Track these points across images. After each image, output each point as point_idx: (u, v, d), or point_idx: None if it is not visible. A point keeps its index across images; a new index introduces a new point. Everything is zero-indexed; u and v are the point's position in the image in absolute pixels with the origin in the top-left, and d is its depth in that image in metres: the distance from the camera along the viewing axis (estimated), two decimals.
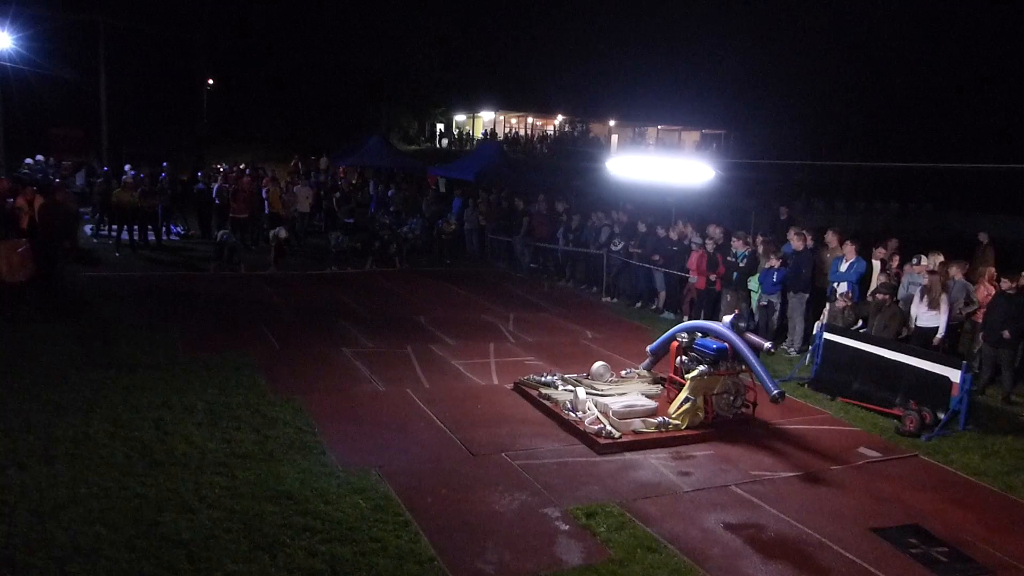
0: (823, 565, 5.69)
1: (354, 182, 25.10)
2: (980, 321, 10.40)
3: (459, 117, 58.39)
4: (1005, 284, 9.97)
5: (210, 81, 41.19)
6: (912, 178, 35.94)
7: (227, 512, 5.84)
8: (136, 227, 17.86)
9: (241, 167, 24.45)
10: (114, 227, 18.22)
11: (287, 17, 44.84)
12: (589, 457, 7.42)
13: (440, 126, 56.96)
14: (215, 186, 20.41)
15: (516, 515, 6.16)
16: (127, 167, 20.05)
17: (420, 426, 7.98)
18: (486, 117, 59.33)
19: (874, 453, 7.96)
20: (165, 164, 21.52)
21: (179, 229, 20.54)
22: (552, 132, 61.49)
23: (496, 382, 9.65)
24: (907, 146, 39.64)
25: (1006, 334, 9.69)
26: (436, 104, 54.01)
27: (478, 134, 56.53)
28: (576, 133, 60.09)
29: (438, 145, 53.22)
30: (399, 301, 14.18)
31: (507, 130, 59.98)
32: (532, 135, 60.18)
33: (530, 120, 62.29)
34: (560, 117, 61.49)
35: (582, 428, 7.85)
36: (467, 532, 5.84)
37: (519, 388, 9.16)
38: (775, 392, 7.96)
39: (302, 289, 14.67)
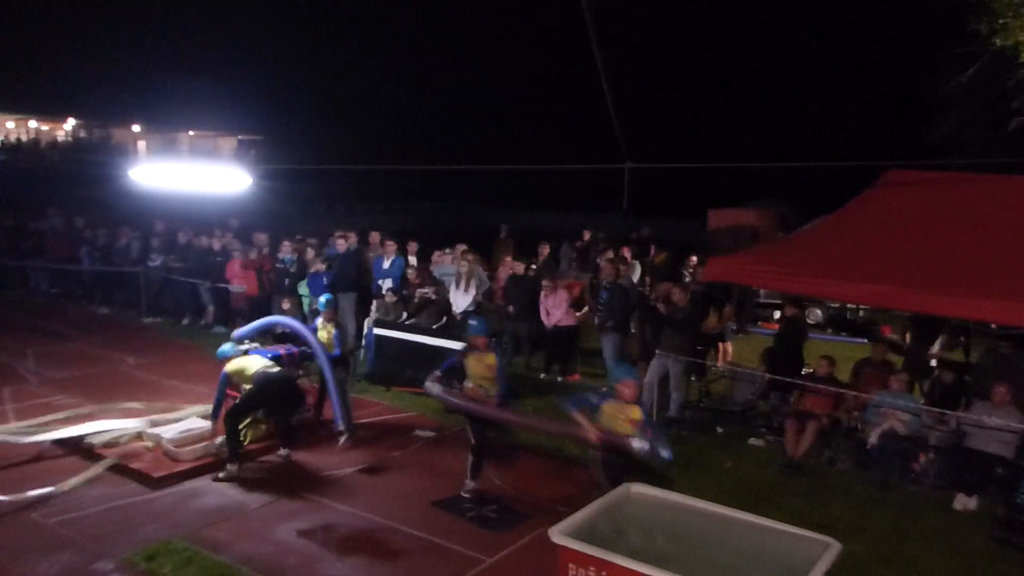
0: (395, 548, 6.00)
1: None
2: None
3: None
4: (515, 267, 11.57)
5: None
6: (441, 180, 39.81)
7: None
8: None
9: None
10: None
11: None
12: (144, 495, 6.76)
13: None
14: None
15: None
16: None
17: None
18: None
19: (429, 433, 8.65)
20: None
21: None
22: (64, 138, 54.20)
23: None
24: (438, 151, 43.71)
25: (511, 309, 11.26)
26: None
27: None
28: (94, 139, 53.79)
29: None
30: None
31: (2, 136, 51.14)
32: (39, 141, 52.27)
33: (33, 124, 54.00)
34: (73, 121, 54.43)
35: (130, 465, 7.10)
36: None
37: None
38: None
39: None
